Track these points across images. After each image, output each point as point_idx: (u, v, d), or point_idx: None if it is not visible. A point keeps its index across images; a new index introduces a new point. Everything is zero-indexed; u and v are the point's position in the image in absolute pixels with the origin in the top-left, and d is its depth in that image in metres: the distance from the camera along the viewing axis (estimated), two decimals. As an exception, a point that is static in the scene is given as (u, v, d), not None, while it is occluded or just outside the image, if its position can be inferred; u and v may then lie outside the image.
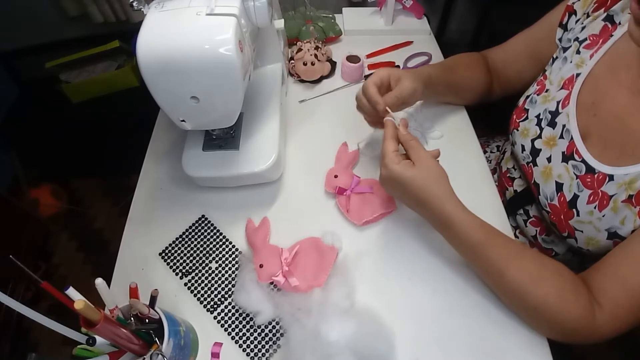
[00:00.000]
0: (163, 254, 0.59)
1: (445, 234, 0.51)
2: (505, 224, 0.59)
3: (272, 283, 0.54)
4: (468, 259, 0.51)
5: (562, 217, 0.54)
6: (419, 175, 0.48)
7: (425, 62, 0.82)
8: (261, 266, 0.53)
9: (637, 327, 0.44)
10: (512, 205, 0.66)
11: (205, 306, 0.54)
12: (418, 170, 0.48)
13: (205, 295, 0.55)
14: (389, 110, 0.55)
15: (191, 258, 0.58)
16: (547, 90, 0.59)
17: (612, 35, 0.52)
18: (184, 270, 0.57)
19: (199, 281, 0.56)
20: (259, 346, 0.51)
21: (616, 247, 0.47)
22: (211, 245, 0.59)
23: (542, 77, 0.62)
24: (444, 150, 0.68)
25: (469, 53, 0.73)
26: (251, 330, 0.52)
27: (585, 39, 0.55)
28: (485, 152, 0.84)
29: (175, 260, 0.58)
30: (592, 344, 0.46)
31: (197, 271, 0.57)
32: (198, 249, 0.59)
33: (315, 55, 0.78)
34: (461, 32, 1.84)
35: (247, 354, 0.50)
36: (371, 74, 0.81)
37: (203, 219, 0.62)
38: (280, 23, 0.66)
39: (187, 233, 0.61)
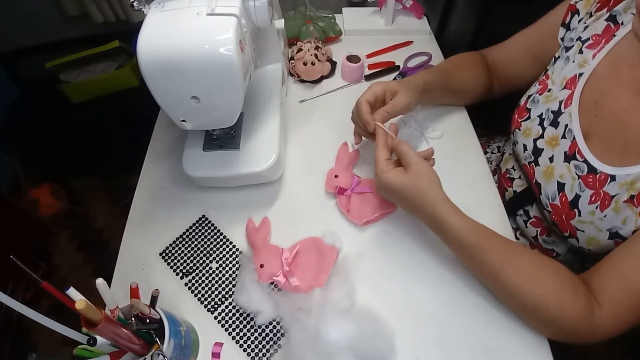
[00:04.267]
0: (163, 254, 0.59)
1: (441, 237, 0.52)
2: (505, 225, 0.59)
3: (272, 283, 0.54)
4: (464, 262, 0.52)
5: (563, 217, 0.54)
6: (410, 181, 0.49)
7: (425, 62, 0.82)
8: (262, 266, 0.53)
9: (638, 327, 0.44)
10: (512, 206, 0.66)
11: (205, 306, 0.54)
12: (409, 177, 0.49)
13: (206, 295, 0.55)
14: (379, 124, 0.55)
15: (191, 258, 0.58)
16: (549, 90, 0.59)
17: (614, 35, 0.52)
18: (184, 270, 0.57)
19: (200, 281, 0.56)
20: (260, 346, 0.51)
21: (617, 248, 0.47)
22: (211, 245, 0.59)
23: (544, 77, 0.61)
24: (444, 151, 0.68)
25: (467, 53, 0.73)
26: (252, 330, 0.52)
27: (588, 39, 0.55)
28: (485, 152, 0.84)
29: (175, 260, 0.58)
30: (592, 344, 0.46)
31: (197, 271, 0.57)
32: (198, 249, 0.59)
33: (316, 55, 0.77)
34: (461, 32, 1.84)
35: (248, 354, 0.50)
36: (371, 73, 0.82)
37: (203, 219, 0.62)
38: (280, 23, 0.66)
39: (187, 233, 0.61)
